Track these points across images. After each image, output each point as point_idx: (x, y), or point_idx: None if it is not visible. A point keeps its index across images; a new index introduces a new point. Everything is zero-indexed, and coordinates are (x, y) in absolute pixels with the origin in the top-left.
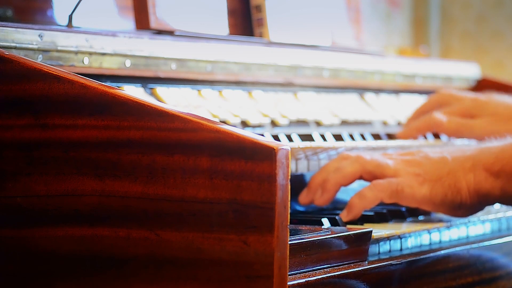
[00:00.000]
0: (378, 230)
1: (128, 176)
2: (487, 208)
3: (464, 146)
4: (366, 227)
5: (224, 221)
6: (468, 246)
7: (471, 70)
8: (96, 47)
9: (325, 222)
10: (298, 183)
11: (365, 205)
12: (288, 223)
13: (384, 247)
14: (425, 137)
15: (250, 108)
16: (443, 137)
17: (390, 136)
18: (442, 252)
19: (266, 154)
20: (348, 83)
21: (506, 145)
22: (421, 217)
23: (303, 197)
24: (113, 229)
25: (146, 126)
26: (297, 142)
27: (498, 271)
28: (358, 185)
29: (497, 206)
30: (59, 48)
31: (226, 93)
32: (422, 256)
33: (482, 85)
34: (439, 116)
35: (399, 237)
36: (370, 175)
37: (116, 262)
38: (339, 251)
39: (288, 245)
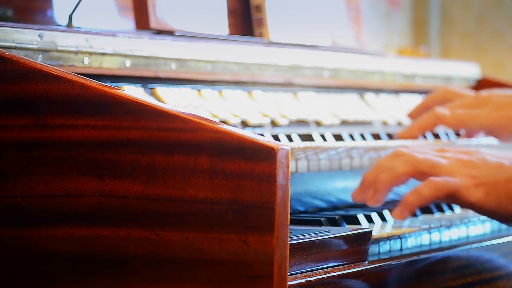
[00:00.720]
0: (378, 230)
1: (128, 176)
2: None
3: None
4: (366, 227)
5: (224, 221)
6: (468, 246)
7: (471, 70)
8: (96, 47)
9: (325, 222)
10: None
11: (421, 203)
12: (288, 223)
13: (384, 247)
14: (425, 137)
15: (250, 108)
16: (443, 137)
17: (390, 136)
18: (442, 252)
19: (266, 154)
20: (348, 83)
21: None
22: (421, 217)
23: (356, 195)
24: (113, 229)
25: (146, 126)
26: (297, 142)
27: (498, 271)
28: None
29: None
30: (59, 48)
31: (226, 93)
32: (422, 256)
33: (482, 85)
34: (441, 109)
35: (399, 237)
36: (423, 175)
37: (116, 262)
38: (339, 251)
39: (288, 245)
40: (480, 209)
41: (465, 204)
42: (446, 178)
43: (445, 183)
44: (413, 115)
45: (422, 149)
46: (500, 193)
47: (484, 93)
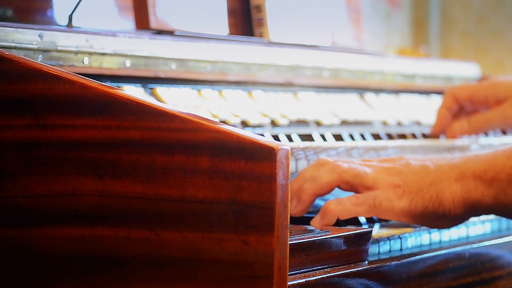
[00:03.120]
0: (378, 230)
1: (128, 176)
2: None
3: (448, 155)
4: (366, 227)
5: (224, 221)
6: (468, 246)
7: (471, 70)
8: (96, 47)
9: None
10: None
11: (340, 215)
12: (288, 223)
13: (384, 247)
14: (426, 137)
15: (250, 108)
16: (442, 138)
17: (390, 136)
18: (442, 252)
19: (266, 154)
20: (348, 83)
21: (498, 151)
22: None
23: None
24: (113, 229)
25: (146, 126)
26: (297, 142)
27: (498, 271)
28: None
29: None
30: (59, 48)
31: (226, 93)
32: (422, 256)
33: None
34: (459, 125)
35: (399, 237)
36: (348, 184)
37: (116, 262)
38: (339, 251)
39: (288, 245)
40: (406, 218)
41: (390, 215)
42: (366, 194)
43: (365, 199)
44: (438, 129)
45: (348, 159)
46: (425, 197)
47: (499, 79)
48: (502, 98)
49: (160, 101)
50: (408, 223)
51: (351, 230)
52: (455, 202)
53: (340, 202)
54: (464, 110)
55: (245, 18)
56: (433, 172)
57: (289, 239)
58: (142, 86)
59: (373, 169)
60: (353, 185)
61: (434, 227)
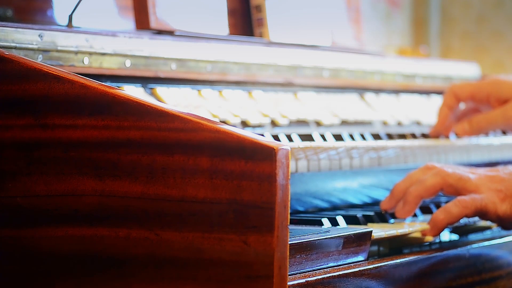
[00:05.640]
0: (378, 230)
1: (128, 176)
2: None
3: None
4: (366, 227)
5: (224, 221)
6: (468, 246)
7: (471, 70)
8: (96, 47)
9: (325, 222)
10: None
11: (450, 221)
12: (288, 223)
13: (384, 247)
14: (426, 137)
15: (250, 108)
16: (442, 138)
17: (390, 136)
18: (442, 252)
19: (266, 154)
20: (348, 83)
21: None
22: (421, 217)
23: (385, 203)
24: (113, 229)
25: (146, 126)
26: (297, 142)
27: (498, 271)
28: (359, 184)
29: None
30: (59, 48)
31: (226, 93)
32: (422, 256)
33: None
34: (461, 126)
35: (399, 237)
36: (451, 188)
37: (116, 262)
38: (339, 251)
39: (288, 245)
40: (507, 222)
41: (493, 219)
42: (472, 196)
43: (472, 201)
44: (440, 128)
45: (453, 166)
46: None
47: (501, 78)
48: (504, 97)
49: (160, 101)
50: (506, 227)
51: (351, 230)
52: None
53: (447, 211)
54: (465, 107)
55: (245, 18)
56: None
57: (289, 239)
58: (142, 86)
59: (476, 175)
60: (456, 189)
61: None
